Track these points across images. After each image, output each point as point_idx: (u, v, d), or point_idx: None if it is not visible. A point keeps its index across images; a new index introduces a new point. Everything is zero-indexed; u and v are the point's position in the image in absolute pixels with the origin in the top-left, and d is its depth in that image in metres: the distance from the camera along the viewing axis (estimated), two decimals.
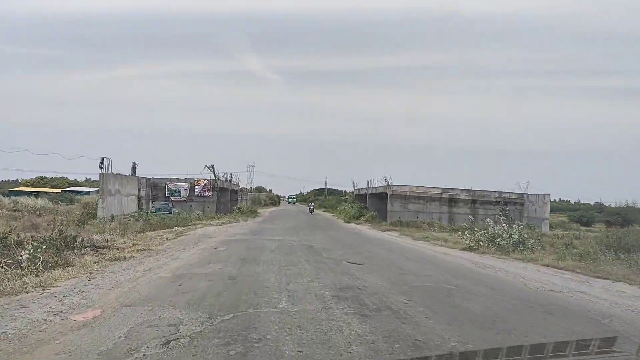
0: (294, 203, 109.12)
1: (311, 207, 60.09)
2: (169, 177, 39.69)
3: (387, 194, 39.93)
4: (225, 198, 46.64)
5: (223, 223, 31.00)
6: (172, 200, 38.80)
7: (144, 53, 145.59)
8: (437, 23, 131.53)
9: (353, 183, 56.50)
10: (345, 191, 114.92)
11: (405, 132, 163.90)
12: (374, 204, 45.36)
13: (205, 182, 38.74)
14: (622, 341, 3.59)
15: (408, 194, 39.72)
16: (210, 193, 38.75)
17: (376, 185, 44.33)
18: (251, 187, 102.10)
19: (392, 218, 39.22)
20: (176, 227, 25.76)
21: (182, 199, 38.61)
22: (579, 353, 2.65)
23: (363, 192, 51.40)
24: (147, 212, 37.55)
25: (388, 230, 32.77)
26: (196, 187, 38.67)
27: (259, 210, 59.18)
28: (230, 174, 48.47)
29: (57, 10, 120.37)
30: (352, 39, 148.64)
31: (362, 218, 41.17)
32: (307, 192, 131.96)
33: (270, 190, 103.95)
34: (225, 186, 44.24)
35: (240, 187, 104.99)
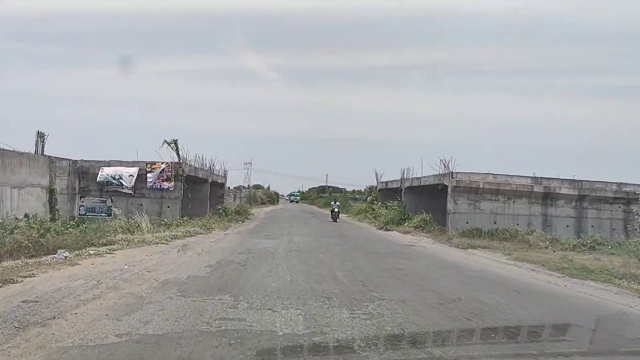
0: (297, 202, 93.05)
1: (335, 211, 34.53)
2: (108, 159, 24.55)
3: (445, 186, 25.11)
4: (201, 193, 31.61)
5: (176, 236, 15.88)
6: (111, 196, 23.83)
7: (141, 51, 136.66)
8: (436, 21, 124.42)
9: (376, 174, 41.61)
10: (345, 189, 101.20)
11: (405, 130, 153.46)
12: (414, 201, 30.38)
13: (164, 166, 23.74)
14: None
15: (481, 186, 24.82)
16: (171, 184, 23.75)
17: (423, 175, 29.41)
18: (248, 185, 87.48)
19: (455, 223, 24.34)
20: (60, 252, 11.03)
21: (127, 192, 23.59)
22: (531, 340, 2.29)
23: (394, 185, 36.47)
24: (68, 217, 22.50)
25: (471, 248, 17.89)
26: (149, 174, 23.74)
27: (252, 211, 44.25)
28: (212, 161, 33.46)
29: (52, 6, 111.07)
30: (351, 38, 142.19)
31: (406, 224, 26.23)
32: (307, 190, 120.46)
33: (268, 187, 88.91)
34: (200, 175, 29.16)
35: (237, 185, 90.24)
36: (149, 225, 18.63)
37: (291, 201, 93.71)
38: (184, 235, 16.44)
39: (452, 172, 24.87)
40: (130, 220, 19.20)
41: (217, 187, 38.50)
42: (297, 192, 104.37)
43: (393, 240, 19.34)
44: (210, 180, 32.63)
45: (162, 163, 23.95)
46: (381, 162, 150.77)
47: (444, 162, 25.14)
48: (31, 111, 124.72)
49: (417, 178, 30.45)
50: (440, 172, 25.97)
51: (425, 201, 28.55)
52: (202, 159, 30.49)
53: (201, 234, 17.76)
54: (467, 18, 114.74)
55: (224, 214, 32.37)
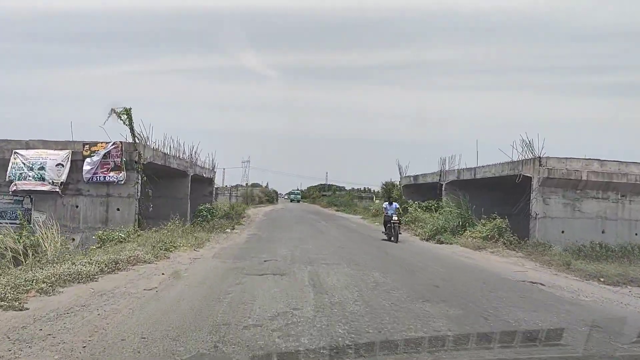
0: (298, 201, 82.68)
1: (395, 221, 17.33)
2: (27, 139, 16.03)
3: (525, 178, 16.86)
4: (178, 191, 23.21)
5: (78, 276, 7.49)
6: (31, 194, 15.39)
7: (139, 49, 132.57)
8: (435, 19, 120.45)
9: (400, 168, 33.11)
10: (344, 187, 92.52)
11: (405, 129, 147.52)
12: (457, 199, 22.00)
13: (110, 148, 15.20)
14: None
15: (584, 177, 16.49)
16: (121, 175, 15.20)
17: (481, 165, 20.94)
18: (247, 184, 78.92)
19: (545, 233, 16.03)
20: None
21: (52, 189, 15.12)
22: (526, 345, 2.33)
23: (428, 179, 28.07)
24: None
25: (625, 283, 9.70)
26: (87, 160, 15.24)
27: (248, 212, 35.89)
28: (195, 149, 24.99)
29: (51, 6, 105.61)
30: (349, 36, 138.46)
31: (468, 233, 17.77)
32: (306, 189, 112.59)
33: (267, 185, 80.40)
34: (174, 165, 20.68)
35: (235, 184, 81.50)
36: (57, 248, 10.21)
37: (291, 200, 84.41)
38: (102, 270, 7.97)
39: (540, 157, 16.51)
40: (29, 237, 10.79)
41: (204, 184, 30.11)
42: (298, 190, 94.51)
43: (490, 272, 10.84)
44: (191, 174, 24.15)
45: (107, 144, 15.43)
46: (382, 161, 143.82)
47: (527, 141, 16.76)
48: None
49: (471, 169, 21.99)
50: (518, 158, 17.62)
51: (480, 201, 20.14)
52: (180, 144, 22.04)
53: (146, 262, 9.33)
54: (467, 15, 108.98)
55: (208, 217, 24.12)
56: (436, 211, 23.72)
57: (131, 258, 9.11)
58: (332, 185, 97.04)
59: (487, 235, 16.66)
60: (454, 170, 24.17)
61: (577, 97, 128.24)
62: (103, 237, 12.36)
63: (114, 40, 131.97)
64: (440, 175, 25.63)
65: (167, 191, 22.59)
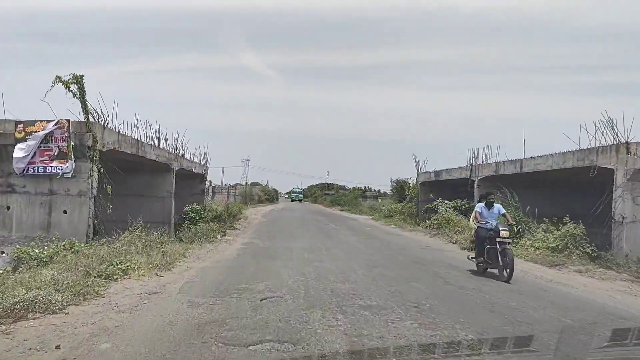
0: (300, 200, 77.16)
1: (502, 237, 9.22)
2: None
3: (604, 171, 12.80)
4: (159, 188, 19.00)
5: None
6: None
7: (138, 49, 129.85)
8: (435, 19, 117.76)
9: (417, 162, 28.64)
10: (345, 186, 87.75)
11: (405, 128, 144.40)
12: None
13: (52, 127, 11.12)
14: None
15: None
16: (67, 165, 11.19)
17: (529, 156, 16.60)
18: (246, 183, 74.64)
19: (636, 242, 12.03)
20: None
21: None
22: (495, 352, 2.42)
23: (456, 174, 23.86)
24: None
25: None
26: (19, 145, 11.15)
27: (246, 212, 31.75)
28: (180, 138, 20.74)
29: (49, 5, 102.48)
30: (349, 35, 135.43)
31: (527, 242, 13.53)
32: (307, 188, 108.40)
33: (267, 184, 76.12)
34: (151, 156, 16.37)
35: (235, 183, 77.10)
36: None
37: (292, 200, 78.44)
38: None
39: (627, 143, 12.35)
40: None
41: (194, 181, 25.97)
42: (299, 189, 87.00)
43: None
44: (175, 168, 19.91)
45: (49, 122, 11.24)
46: (382, 160, 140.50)
47: (611, 123, 12.57)
48: None
49: (516, 161, 17.73)
50: (590, 146, 13.45)
51: (522, 201, 15.95)
52: (158, 131, 17.80)
53: (48, 310, 5.18)
54: (467, 15, 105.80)
55: (197, 220, 20.10)
56: (467, 213, 19.60)
57: (21, 304, 4.92)
58: (334, 184, 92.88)
59: (557, 245, 12.48)
60: (490, 163, 19.99)
61: (578, 96, 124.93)
62: (21, 254, 8.20)
63: (113, 40, 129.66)
64: (472, 169, 21.45)
65: (143, 189, 18.43)
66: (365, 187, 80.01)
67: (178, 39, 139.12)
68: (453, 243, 15.89)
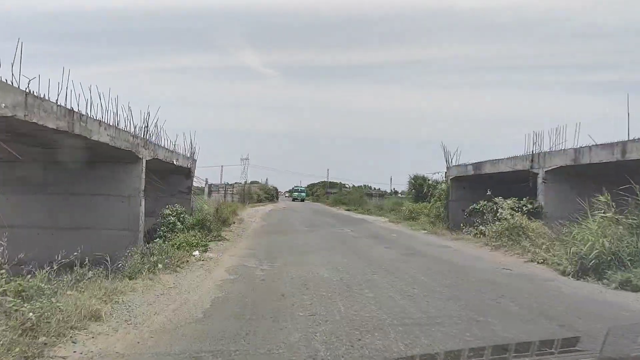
0: (303, 200, 69.69)
1: None
2: None
3: None
4: (114, 184, 13.76)
5: None
6: None
7: (138, 49, 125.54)
8: (435, 17, 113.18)
9: (446, 153, 23.21)
10: (345, 184, 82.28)
11: (404, 127, 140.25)
12: (570, 199, 12.57)
13: None
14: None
15: None
16: None
17: None
18: (245, 182, 69.31)
19: None
20: None
21: None
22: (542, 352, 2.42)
23: (505, 167, 18.66)
24: None
25: None
26: None
27: (243, 213, 26.69)
28: (154, 118, 15.44)
29: (47, 5, 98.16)
30: (350, 34, 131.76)
31: None
32: (307, 186, 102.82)
33: (266, 181, 70.77)
34: (92, 134, 11.11)
35: (234, 182, 71.62)
36: None
37: (294, 199, 70.94)
38: None
39: None
40: None
41: (177, 177, 20.82)
42: (302, 187, 78.32)
43: None
44: (145, 158, 14.62)
45: None
46: (383, 159, 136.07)
47: None
48: None
49: (614, 144, 12.56)
50: None
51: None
52: (129, 110, 12.51)
53: None
54: (463, 15, 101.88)
55: (176, 226, 15.00)
56: (535, 215, 14.44)
57: None
58: (337, 182, 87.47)
59: None
60: (564, 150, 14.81)
61: (580, 94, 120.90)
62: None
63: (112, 40, 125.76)
64: (533, 159, 16.27)
65: (97, 185, 13.25)
66: (366, 185, 74.84)
67: (177, 39, 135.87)
68: (539, 262, 10.68)
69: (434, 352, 3.64)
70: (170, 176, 20.04)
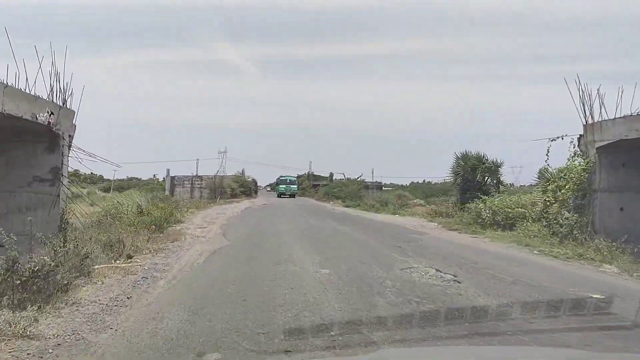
0: (294, 195, 51.97)
1: None
2: None
3: None
4: None
5: None
6: None
7: (115, 42, 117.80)
8: (417, 10, 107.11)
9: (585, 100, 11.77)
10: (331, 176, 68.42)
11: (386, 121, 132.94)
12: None
13: None
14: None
15: None
16: None
17: None
18: (216, 173, 56.65)
19: None
20: None
21: None
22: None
23: None
24: None
25: None
26: None
27: (197, 217, 14.77)
28: None
29: None
30: (331, 27, 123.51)
31: None
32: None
33: (242, 173, 57.96)
34: None
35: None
36: None
37: (280, 194, 52.31)
38: None
39: None
40: None
41: (25, 147, 8.76)
42: (292, 176, 58.07)
43: None
44: None
45: None
46: (363, 152, 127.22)
47: None
48: None
49: None
50: None
51: None
52: None
53: None
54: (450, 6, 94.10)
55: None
56: None
57: None
58: (320, 175, 75.17)
59: None
60: None
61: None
62: None
63: (88, 34, 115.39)
64: None
65: None
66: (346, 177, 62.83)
67: (153, 33, 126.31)
68: None
69: None
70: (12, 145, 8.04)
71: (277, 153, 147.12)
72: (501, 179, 21.20)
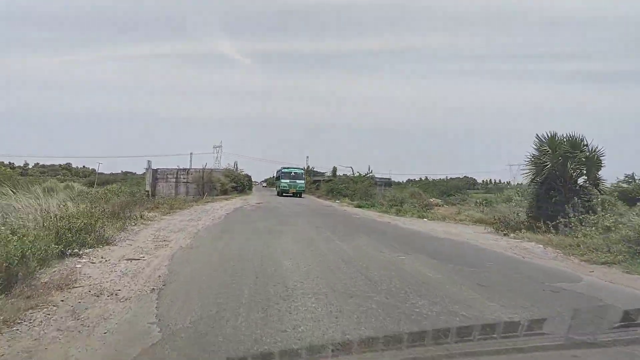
0: (300, 193, 39.50)
1: None
2: None
3: None
4: None
5: None
6: None
7: (111, 35, 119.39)
8: (412, 6, 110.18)
9: None
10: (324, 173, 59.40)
11: (381, 115, 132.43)
12: None
13: None
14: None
15: None
16: None
17: None
18: (212, 169, 49.06)
19: None
20: None
21: None
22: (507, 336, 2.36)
23: None
24: None
25: None
26: None
27: (149, 229, 7.96)
28: None
29: None
30: (327, 21, 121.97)
31: None
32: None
33: (235, 166, 50.69)
34: None
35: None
36: None
37: (282, 191, 39.02)
38: None
39: None
40: None
41: None
42: (299, 168, 43.40)
43: None
44: None
45: None
46: (357, 147, 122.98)
47: None
48: None
49: None
50: None
51: None
52: None
53: None
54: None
55: None
56: None
57: None
58: (317, 171, 67.81)
59: None
60: None
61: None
62: None
63: (83, 26, 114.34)
64: None
65: None
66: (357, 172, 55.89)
67: (150, 26, 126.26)
68: None
69: None
70: None
71: (273, 148, 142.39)
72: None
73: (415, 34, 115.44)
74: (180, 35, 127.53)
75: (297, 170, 40.89)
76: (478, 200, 45.81)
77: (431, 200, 39.19)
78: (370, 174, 43.91)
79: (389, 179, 55.20)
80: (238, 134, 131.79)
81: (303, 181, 39.97)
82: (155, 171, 44.74)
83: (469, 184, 75.99)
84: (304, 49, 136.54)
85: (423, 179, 71.42)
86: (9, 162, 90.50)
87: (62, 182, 71.45)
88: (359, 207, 28.94)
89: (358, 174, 42.98)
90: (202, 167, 45.37)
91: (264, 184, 74.14)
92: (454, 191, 51.27)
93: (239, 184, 43.70)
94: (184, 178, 45.48)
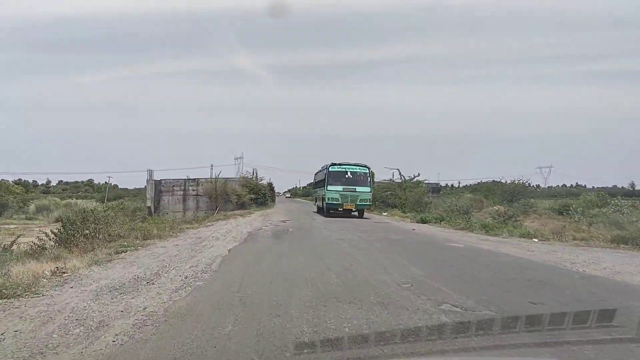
0: (362, 208, 22.48)
1: None
2: None
3: None
4: None
5: None
6: None
7: (133, 54, 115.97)
8: (428, 13, 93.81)
9: None
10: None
11: (401, 124, 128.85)
12: None
13: None
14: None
15: None
16: None
17: None
18: (226, 179, 40.95)
19: None
20: None
21: None
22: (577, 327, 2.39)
23: None
24: None
25: None
26: None
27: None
28: None
29: (40, 12, 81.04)
30: (344, 33, 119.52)
31: None
32: (308, 186, 74.55)
33: (254, 175, 42.30)
34: None
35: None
36: None
37: (330, 206, 22.23)
38: None
39: None
40: None
41: None
42: (363, 166, 23.08)
43: None
44: None
45: None
46: (376, 155, 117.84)
47: None
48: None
49: None
50: None
51: None
52: None
53: None
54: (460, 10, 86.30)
55: None
56: None
57: None
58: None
59: None
60: None
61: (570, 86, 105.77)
62: None
63: (106, 47, 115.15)
64: None
65: None
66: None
67: (170, 44, 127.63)
68: None
69: None
70: None
71: (295, 158, 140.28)
72: None
73: (438, 42, 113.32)
74: (199, 52, 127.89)
75: (356, 169, 23.11)
76: (554, 208, 36.60)
77: (496, 208, 30.70)
78: (417, 178, 35.27)
79: (437, 183, 46.48)
80: (260, 147, 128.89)
81: (368, 189, 23.09)
82: (158, 182, 37.28)
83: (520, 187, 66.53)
84: (321, 61, 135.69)
85: (456, 184, 62.68)
86: (33, 180, 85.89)
87: (82, 198, 63.54)
88: (423, 221, 20.66)
89: (406, 178, 34.37)
90: (214, 176, 37.71)
91: (288, 195, 66.83)
92: (510, 196, 42.33)
93: (260, 195, 35.78)
94: (193, 190, 37.93)
